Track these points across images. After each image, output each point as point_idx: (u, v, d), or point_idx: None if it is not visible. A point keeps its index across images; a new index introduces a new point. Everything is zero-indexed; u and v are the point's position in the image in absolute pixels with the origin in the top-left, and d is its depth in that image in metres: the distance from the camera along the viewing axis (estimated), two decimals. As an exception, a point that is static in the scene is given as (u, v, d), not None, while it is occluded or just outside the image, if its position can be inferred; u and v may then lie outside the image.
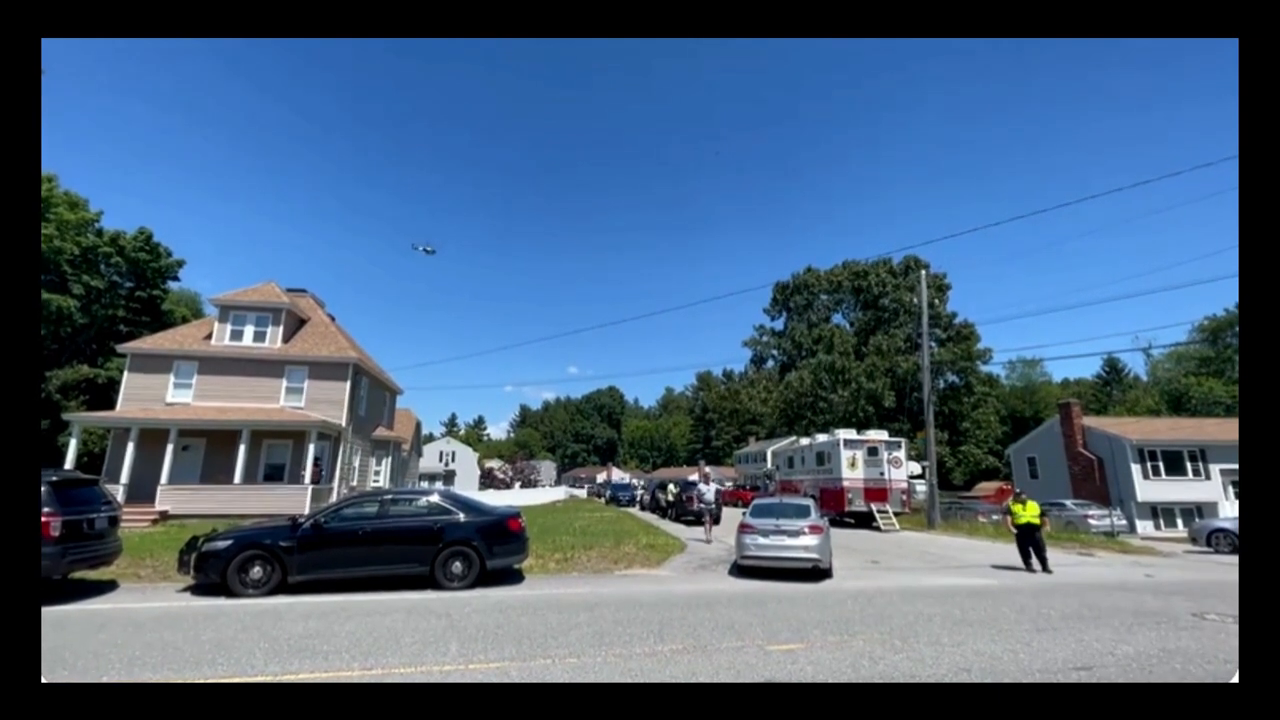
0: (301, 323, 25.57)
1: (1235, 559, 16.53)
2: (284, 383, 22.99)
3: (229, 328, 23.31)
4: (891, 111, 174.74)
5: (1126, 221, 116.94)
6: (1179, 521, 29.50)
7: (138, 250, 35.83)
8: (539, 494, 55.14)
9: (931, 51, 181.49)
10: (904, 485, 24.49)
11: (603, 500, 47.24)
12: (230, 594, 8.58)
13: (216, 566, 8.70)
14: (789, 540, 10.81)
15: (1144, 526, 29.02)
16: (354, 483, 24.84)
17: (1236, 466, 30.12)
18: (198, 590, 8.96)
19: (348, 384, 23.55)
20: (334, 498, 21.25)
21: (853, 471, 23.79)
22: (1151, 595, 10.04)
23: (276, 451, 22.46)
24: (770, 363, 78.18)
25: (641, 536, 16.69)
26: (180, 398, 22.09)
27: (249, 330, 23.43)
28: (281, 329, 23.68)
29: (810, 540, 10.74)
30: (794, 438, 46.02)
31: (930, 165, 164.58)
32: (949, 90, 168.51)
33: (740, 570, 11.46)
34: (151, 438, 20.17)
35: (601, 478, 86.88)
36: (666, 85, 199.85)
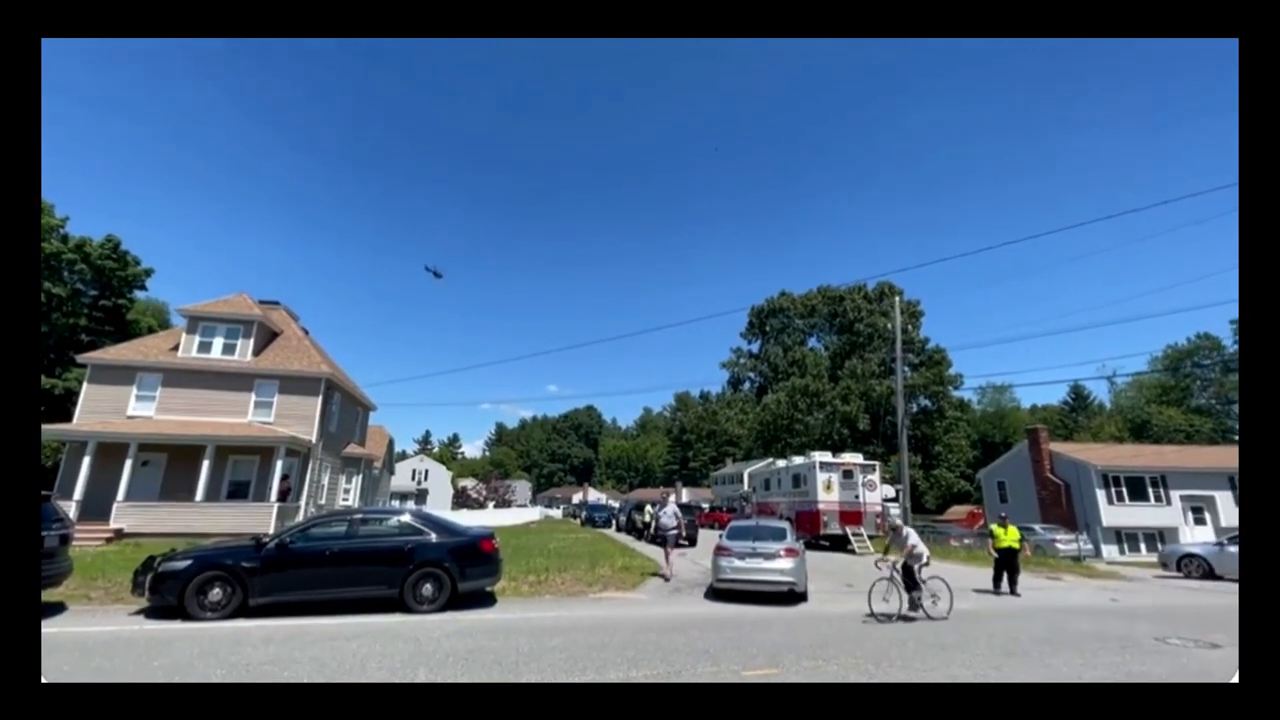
0: (274, 336, 25.00)
1: (1204, 584, 16.94)
2: (253, 397, 22.35)
3: (197, 339, 22.63)
4: (871, 145, 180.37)
5: (1095, 255, 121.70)
6: (1142, 546, 30.27)
7: (104, 258, 34.82)
8: (514, 514, 54.22)
9: (920, 73, 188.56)
10: (879, 508, 24.69)
11: (578, 521, 46.61)
12: (187, 617, 8.23)
13: (174, 588, 8.34)
14: (765, 563, 10.80)
15: (1109, 551, 29.69)
16: (323, 501, 24.14)
17: (1196, 493, 31.23)
18: (152, 613, 8.57)
19: (319, 399, 23.01)
20: (301, 516, 20.60)
21: (828, 494, 23.92)
22: (1116, 620, 10.25)
23: (242, 468, 21.74)
24: (747, 385, 78.81)
25: (617, 558, 16.48)
26: (142, 410, 21.30)
27: (218, 342, 22.78)
28: (252, 342, 23.09)
29: (786, 563, 10.75)
30: (770, 460, 46.22)
31: (904, 194, 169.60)
32: (931, 116, 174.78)
33: (716, 593, 11.39)
34: (109, 452, 19.37)
35: (578, 498, 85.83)
36: (652, 111, 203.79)
